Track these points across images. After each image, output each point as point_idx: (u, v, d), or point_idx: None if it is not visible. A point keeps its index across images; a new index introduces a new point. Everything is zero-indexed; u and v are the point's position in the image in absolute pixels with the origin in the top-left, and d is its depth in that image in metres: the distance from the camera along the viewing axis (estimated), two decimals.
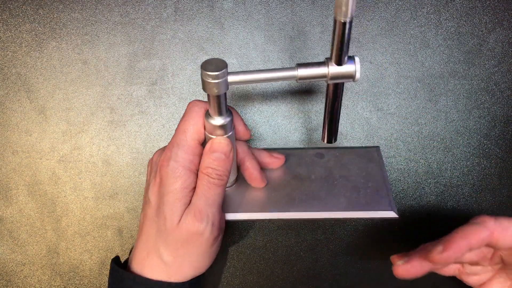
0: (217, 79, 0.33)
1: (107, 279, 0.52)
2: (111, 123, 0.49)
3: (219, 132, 0.38)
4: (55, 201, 0.50)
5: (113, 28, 0.47)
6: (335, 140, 0.40)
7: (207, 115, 0.37)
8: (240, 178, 0.44)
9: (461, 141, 0.49)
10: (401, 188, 0.50)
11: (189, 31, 0.47)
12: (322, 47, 0.47)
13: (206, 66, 0.34)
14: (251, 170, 0.42)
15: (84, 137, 0.49)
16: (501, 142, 0.49)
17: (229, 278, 0.51)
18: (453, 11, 0.46)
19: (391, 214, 0.41)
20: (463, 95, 0.48)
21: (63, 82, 0.48)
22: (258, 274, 0.52)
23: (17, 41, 0.47)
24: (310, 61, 0.37)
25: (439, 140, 0.49)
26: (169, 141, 0.49)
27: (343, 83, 0.36)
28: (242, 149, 0.42)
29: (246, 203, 0.42)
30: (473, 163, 0.49)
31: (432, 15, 0.46)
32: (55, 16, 0.47)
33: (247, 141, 0.43)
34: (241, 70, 0.47)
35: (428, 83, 0.47)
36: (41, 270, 0.52)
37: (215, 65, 0.34)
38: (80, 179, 0.50)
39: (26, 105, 0.49)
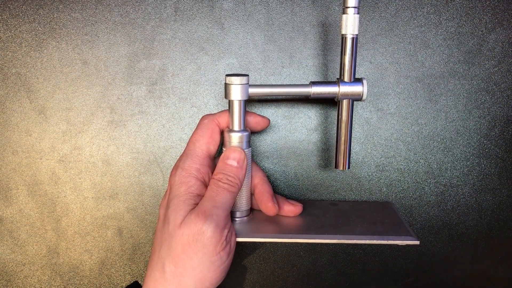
0: (241, 82, 0.39)
1: (107, 279, 0.52)
2: (111, 123, 0.49)
3: (235, 143, 0.40)
4: (55, 201, 0.50)
5: (113, 28, 0.47)
6: (349, 166, 0.43)
7: (226, 128, 0.41)
8: (254, 213, 0.45)
9: (461, 141, 0.49)
10: (401, 188, 0.50)
11: (189, 31, 0.47)
12: (322, 47, 0.47)
13: (231, 75, 0.39)
14: (263, 193, 0.42)
15: (84, 137, 0.49)
16: (501, 142, 0.49)
17: (229, 278, 0.51)
18: (453, 11, 0.46)
19: (411, 240, 0.40)
20: (463, 95, 0.48)
21: (63, 82, 0.48)
22: (258, 274, 0.52)
23: (17, 41, 0.47)
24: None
25: (439, 140, 0.49)
26: (168, 141, 0.49)
27: (353, 105, 0.42)
28: (258, 174, 0.43)
29: (261, 228, 0.42)
30: (473, 163, 0.49)
31: (432, 15, 0.46)
32: (55, 16, 0.47)
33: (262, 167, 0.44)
34: (241, 70, 0.47)
35: (428, 83, 0.47)
36: (41, 270, 0.52)
37: (239, 75, 0.39)
38: (80, 179, 0.50)
39: (26, 105, 0.49)
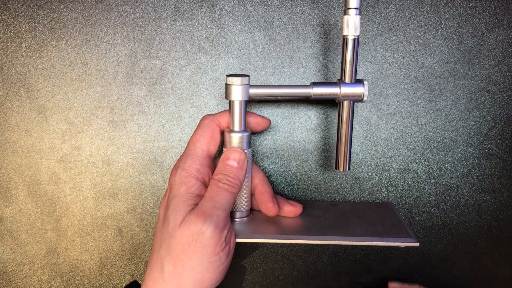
0: (242, 83, 0.39)
1: (107, 279, 0.52)
2: (111, 123, 0.49)
3: (235, 143, 0.40)
4: (55, 201, 0.50)
5: (113, 28, 0.47)
6: (350, 167, 0.43)
7: (227, 129, 0.41)
8: (254, 213, 0.45)
9: (461, 141, 0.49)
10: (401, 188, 0.50)
11: (189, 31, 0.47)
12: (322, 47, 0.47)
13: (232, 76, 0.39)
14: (264, 194, 0.42)
15: (84, 137, 0.49)
16: (501, 142, 0.49)
17: (229, 278, 0.51)
18: (453, 11, 0.46)
19: (410, 241, 0.40)
20: (463, 95, 0.48)
21: (63, 82, 0.48)
22: (258, 274, 0.52)
23: (17, 41, 0.47)
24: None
25: (439, 140, 0.49)
26: (168, 141, 0.49)
27: (353, 106, 0.41)
28: (258, 175, 0.43)
29: (261, 229, 0.42)
30: (473, 163, 0.49)
31: (432, 15, 0.46)
32: (55, 16, 0.47)
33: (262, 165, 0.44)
34: (241, 70, 0.47)
35: (428, 83, 0.47)
36: (41, 270, 0.52)
37: (240, 76, 0.39)
38: (80, 179, 0.50)
39: (26, 105, 0.49)
